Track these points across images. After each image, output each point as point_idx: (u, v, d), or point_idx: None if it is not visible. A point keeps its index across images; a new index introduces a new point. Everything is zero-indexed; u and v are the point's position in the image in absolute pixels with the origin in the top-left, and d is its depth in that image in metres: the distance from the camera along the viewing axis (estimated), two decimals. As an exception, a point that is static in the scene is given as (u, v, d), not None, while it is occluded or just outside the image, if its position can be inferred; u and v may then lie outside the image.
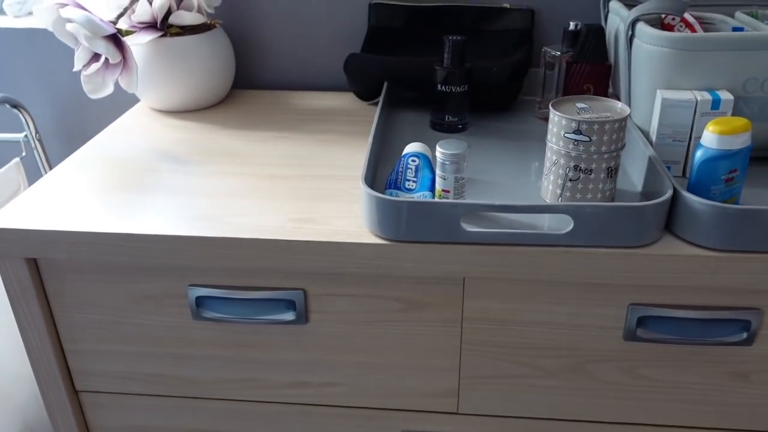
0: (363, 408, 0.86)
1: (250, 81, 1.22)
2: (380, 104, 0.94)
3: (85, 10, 0.92)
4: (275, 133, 1.01)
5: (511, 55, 1.05)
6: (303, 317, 0.79)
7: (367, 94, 1.10)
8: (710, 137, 0.70)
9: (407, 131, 0.99)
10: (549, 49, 0.98)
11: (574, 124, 0.71)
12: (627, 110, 0.73)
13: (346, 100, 1.14)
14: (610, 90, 0.97)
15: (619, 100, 0.92)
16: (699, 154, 0.71)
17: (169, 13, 1.03)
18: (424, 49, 1.08)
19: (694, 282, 0.70)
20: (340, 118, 1.06)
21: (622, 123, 0.72)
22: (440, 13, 1.12)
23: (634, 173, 0.83)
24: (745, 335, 0.74)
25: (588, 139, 0.71)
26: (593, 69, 0.93)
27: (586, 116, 0.72)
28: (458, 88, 0.96)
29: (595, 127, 0.71)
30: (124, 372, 0.87)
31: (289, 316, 0.79)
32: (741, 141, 0.70)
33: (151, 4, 1.01)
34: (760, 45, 0.78)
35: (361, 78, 1.07)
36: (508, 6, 1.10)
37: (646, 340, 0.76)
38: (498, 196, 0.80)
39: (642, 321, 0.75)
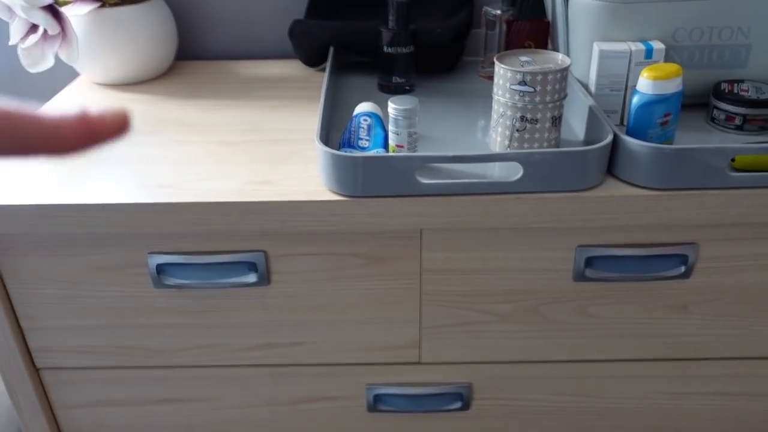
0: (329, 365, 0.88)
1: (193, 52, 1.21)
2: (328, 69, 0.95)
3: (19, -20, 0.89)
4: (224, 101, 1.01)
5: (453, 16, 1.07)
6: (265, 278, 0.80)
7: (314, 60, 1.11)
8: (645, 83, 0.74)
9: (356, 94, 1.00)
10: (489, 9, 1.00)
11: (519, 76, 0.74)
12: (568, 61, 0.77)
13: (293, 68, 1.14)
14: (550, 46, 1.01)
15: (558, 55, 0.96)
16: (635, 100, 0.75)
17: (106, -17, 1.01)
18: (367, 13, 1.09)
19: (635, 221, 0.75)
20: (289, 85, 1.07)
21: (564, 73, 0.75)
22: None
23: (576, 123, 0.87)
24: (683, 269, 0.79)
25: (533, 89, 0.74)
26: (532, 26, 0.96)
27: (530, 68, 0.75)
28: (404, 50, 0.97)
29: (539, 77, 0.74)
30: (86, 346, 0.86)
31: (251, 278, 0.80)
32: (673, 85, 0.74)
33: (86, -27, 0.98)
34: (687, -4, 0.82)
35: (307, 44, 1.07)
36: (448, -32, 1.12)
37: (593, 280, 0.80)
38: (449, 150, 0.82)
39: (589, 261, 0.79)
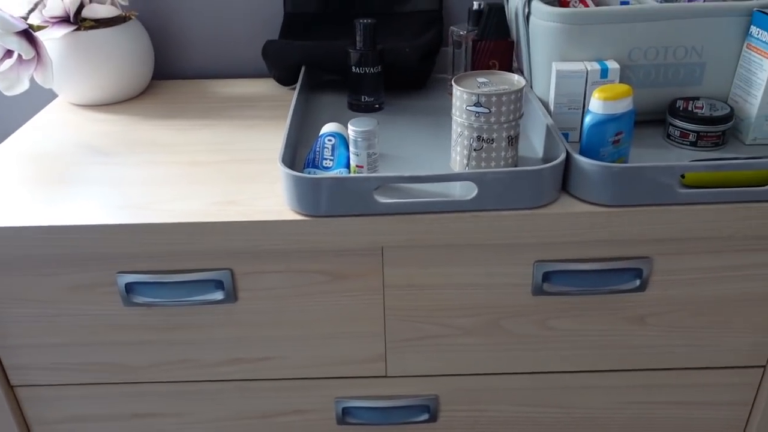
0: (298, 379, 0.90)
1: (170, 71, 1.23)
2: (297, 88, 0.98)
3: (-7, 6, 0.92)
4: (196, 121, 1.03)
5: (422, 35, 1.10)
6: (232, 296, 0.82)
7: (286, 79, 1.13)
8: (596, 103, 0.77)
9: (326, 113, 1.03)
10: (455, 29, 1.03)
11: (474, 98, 0.77)
12: (523, 82, 0.79)
13: (267, 86, 1.16)
14: (515, 64, 1.03)
15: (522, 73, 0.99)
16: (587, 120, 0.77)
17: (82, 6, 1.04)
18: (340, 32, 1.12)
19: (589, 236, 0.77)
20: (262, 104, 1.09)
21: (518, 94, 0.77)
22: (352, -2, 1.15)
23: (537, 141, 0.89)
24: (638, 282, 0.82)
25: (488, 110, 0.77)
26: (496, 45, 0.99)
27: (486, 90, 0.77)
28: (372, 69, 1.00)
29: (494, 99, 0.76)
30: (59, 363, 0.88)
31: (218, 295, 0.82)
32: (624, 105, 0.77)
33: (62, -2, 1.01)
34: (641, 17, 0.85)
35: (280, 64, 1.10)
36: (418, -12, 1.15)
37: (551, 294, 0.82)
38: (413, 170, 0.85)
39: (547, 276, 0.82)
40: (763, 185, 0.76)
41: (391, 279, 0.82)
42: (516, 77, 0.81)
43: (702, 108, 0.86)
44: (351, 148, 0.78)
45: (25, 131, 1.02)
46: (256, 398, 0.92)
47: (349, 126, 0.77)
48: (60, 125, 1.03)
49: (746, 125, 0.87)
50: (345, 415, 0.92)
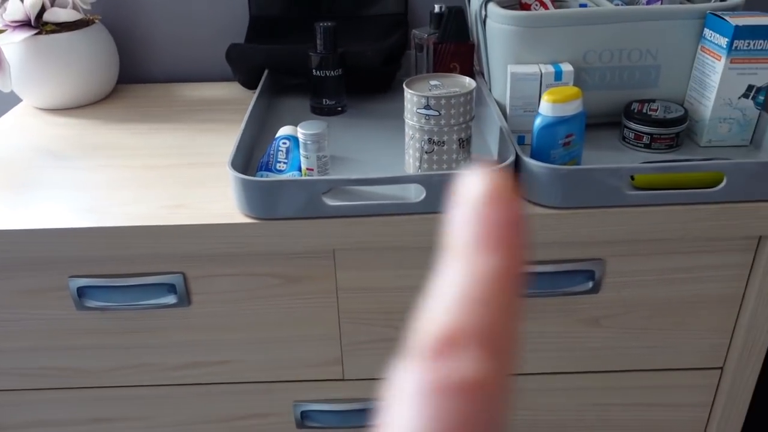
0: (256, 383, 0.90)
1: (136, 75, 1.23)
2: (258, 91, 0.98)
3: (-50, 10, 0.92)
4: (158, 125, 1.03)
5: (387, 38, 1.10)
6: (185, 300, 0.82)
7: (251, 83, 1.13)
8: (545, 106, 0.77)
9: (289, 116, 1.03)
10: (417, 32, 1.03)
11: (423, 100, 0.77)
12: (473, 85, 0.79)
13: (232, 90, 1.16)
14: (477, 67, 1.03)
15: (483, 75, 0.99)
16: (537, 122, 0.78)
17: (43, 10, 1.03)
18: (306, 36, 1.12)
19: (541, 238, 0.77)
20: (225, 107, 1.09)
21: (468, 97, 0.77)
22: (317, 1, 1.15)
23: (493, 143, 0.89)
24: (591, 284, 0.82)
25: (437, 113, 0.77)
26: (457, 48, 0.99)
27: (436, 92, 0.77)
28: (332, 72, 1.00)
29: (443, 101, 0.76)
30: (18, 368, 0.88)
31: (171, 299, 0.82)
32: (573, 107, 0.77)
33: (23, 1, 1.01)
34: (594, 20, 0.85)
35: (243, 67, 1.10)
36: (382, -9, 1.15)
37: (505, 296, 0.82)
38: (367, 172, 0.84)
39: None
40: (713, 187, 0.76)
41: (345, 282, 0.82)
42: (468, 80, 0.81)
43: (657, 110, 0.87)
44: (301, 151, 0.78)
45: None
46: (216, 402, 0.92)
47: (299, 129, 0.77)
48: (20, 129, 1.03)
49: (701, 127, 0.87)
50: (304, 418, 0.92)
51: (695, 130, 0.88)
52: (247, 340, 0.86)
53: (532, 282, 0.82)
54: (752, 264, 0.82)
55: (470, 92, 0.78)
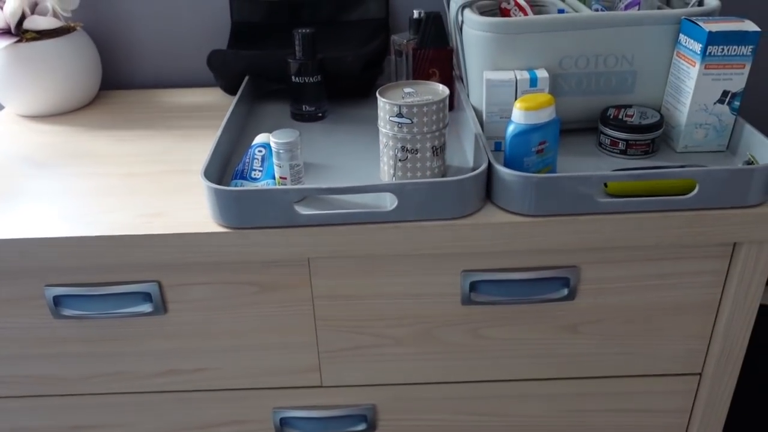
0: (234, 390, 0.90)
1: (119, 81, 1.23)
2: (237, 97, 0.98)
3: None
4: (139, 132, 1.03)
5: (369, 44, 1.10)
6: (161, 308, 0.82)
7: (233, 89, 1.13)
8: (518, 113, 0.77)
9: (269, 122, 1.03)
10: (396, 38, 1.03)
11: (396, 109, 0.77)
12: (446, 92, 0.79)
13: (214, 96, 1.16)
14: (456, 72, 1.03)
15: (462, 81, 0.99)
16: (510, 130, 0.77)
17: (23, 18, 1.04)
18: (288, 42, 1.12)
19: (514, 246, 0.77)
20: (207, 113, 1.09)
21: (440, 105, 0.77)
22: (299, 7, 1.15)
23: (469, 150, 0.89)
24: (566, 291, 0.82)
25: (410, 121, 0.77)
26: (435, 54, 0.99)
27: (409, 100, 0.77)
28: (311, 79, 1.00)
29: (415, 110, 0.76)
30: (-6, 376, 0.88)
31: (147, 308, 0.82)
32: (545, 115, 0.77)
33: (2, 9, 1.01)
34: (569, 26, 0.85)
35: (225, 73, 1.10)
36: (364, -4, 1.15)
37: (481, 303, 0.82)
38: (343, 180, 0.85)
39: (475, 285, 0.82)
40: (686, 194, 0.76)
41: (320, 289, 0.82)
42: (441, 87, 0.81)
43: (632, 116, 0.87)
44: (274, 160, 0.78)
45: (-33, 143, 1.02)
46: (195, 409, 0.92)
47: (271, 138, 0.77)
48: (1, 137, 1.03)
49: (677, 133, 0.87)
50: (283, 425, 0.92)
51: (672, 135, 0.88)
52: (224, 347, 0.86)
53: (508, 289, 0.82)
54: (728, 270, 0.82)
55: (443, 100, 0.78)
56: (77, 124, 1.07)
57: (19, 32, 1.03)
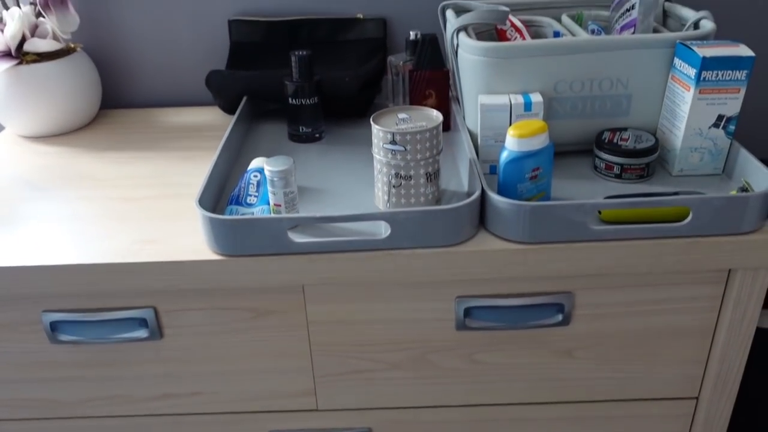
0: (230, 413, 0.91)
1: (119, 101, 1.24)
2: (235, 118, 0.98)
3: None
4: (138, 153, 1.04)
5: (366, 63, 1.10)
6: (157, 333, 0.83)
7: (232, 108, 1.14)
8: (511, 140, 0.77)
9: (267, 143, 1.03)
10: (393, 59, 1.03)
11: (389, 136, 0.77)
12: (440, 119, 0.80)
13: (214, 115, 1.17)
14: (453, 93, 1.03)
15: (459, 103, 0.99)
16: (503, 156, 0.78)
17: (24, 41, 1.04)
18: (286, 62, 1.12)
19: (508, 273, 0.77)
20: (206, 133, 1.10)
21: (434, 131, 0.78)
22: (297, 27, 1.16)
23: (464, 173, 0.89)
24: (560, 317, 0.82)
25: (403, 148, 0.77)
26: (432, 75, 0.99)
27: (401, 127, 0.77)
28: (308, 101, 1.00)
29: (408, 137, 0.76)
30: (-8, 399, 0.89)
31: (143, 333, 0.82)
32: (539, 142, 0.77)
33: (2, 32, 1.02)
34: (564, 50, 0.85)
35: (223, 93, 1.11)
36: (361, 16, 1.15)
37: (475, 329, 0.82)
38: (339, 205, 0.85)
39: (469, 311, 0.82)
40: (680, 221, 0.76)
41: (315, 315, 0.82)
42: (435, 113, 0.81)
43: (628, 140, 0.86)
44: (269, 187, 0.78)
45: (-33, 165, 1.03)
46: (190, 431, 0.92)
47: (265, 165, 0.78)
48: (0, 158, 1.04)
49: (672, 156, 0.87)
50: (279, 447, 0.93)
51: (667, 159, 0.88)
52: (220, 371, 0.87)
53: (502, 315, 0.82)
54: (723, 295, 0.81)
55: (436, 127, 0.78)
56: (77, 145, 1.08)
57: (20, 54, 1.04)
